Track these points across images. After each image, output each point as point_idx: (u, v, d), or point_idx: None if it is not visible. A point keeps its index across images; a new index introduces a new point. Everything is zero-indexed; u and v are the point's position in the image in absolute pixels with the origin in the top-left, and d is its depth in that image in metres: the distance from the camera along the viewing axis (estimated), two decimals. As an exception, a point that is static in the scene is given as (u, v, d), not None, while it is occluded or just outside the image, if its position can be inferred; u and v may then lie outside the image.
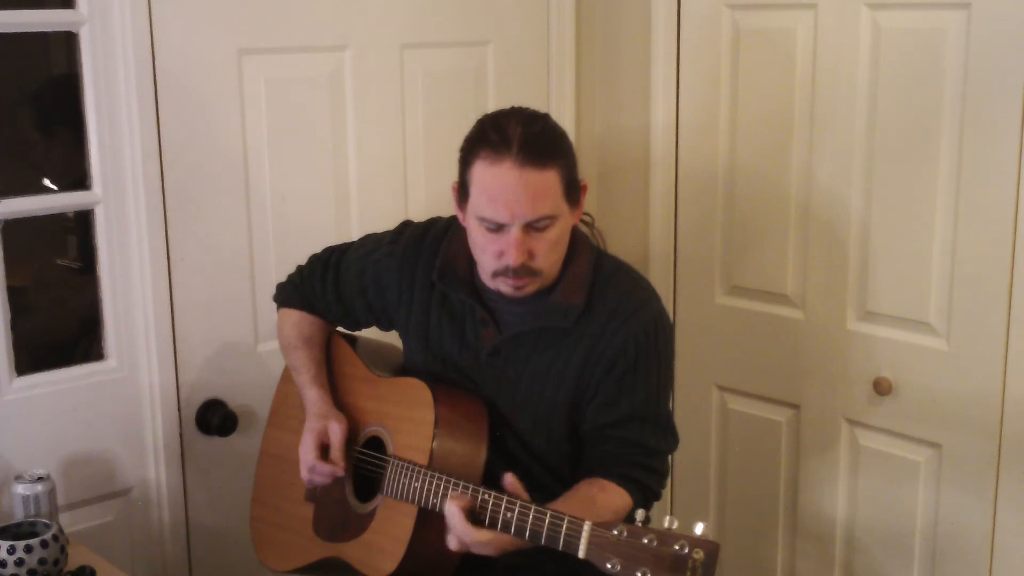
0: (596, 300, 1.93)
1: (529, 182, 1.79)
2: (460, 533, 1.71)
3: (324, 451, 2.03)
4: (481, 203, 1.83)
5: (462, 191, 1.90)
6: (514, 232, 1.81)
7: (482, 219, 1.84)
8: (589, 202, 2.81)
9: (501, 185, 1.80)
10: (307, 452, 2.02)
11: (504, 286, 1.88)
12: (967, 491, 2.36)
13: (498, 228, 1.83)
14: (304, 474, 2.03)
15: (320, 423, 2.03)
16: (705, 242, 2.74)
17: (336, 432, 2.02)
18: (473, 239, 1.89)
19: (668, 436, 1.97)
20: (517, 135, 1.80)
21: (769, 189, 2.59)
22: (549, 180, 1.81)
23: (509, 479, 1.72)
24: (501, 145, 1.80)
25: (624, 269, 2.02)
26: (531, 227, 1.82)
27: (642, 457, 1.91)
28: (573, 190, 1.88)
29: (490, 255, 1.86)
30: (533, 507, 1.67)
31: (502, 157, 1.79)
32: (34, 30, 2.20)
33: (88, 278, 2.28)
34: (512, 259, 1.82)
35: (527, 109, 1.91)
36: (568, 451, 1.97)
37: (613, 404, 1.91)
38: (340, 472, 2.01)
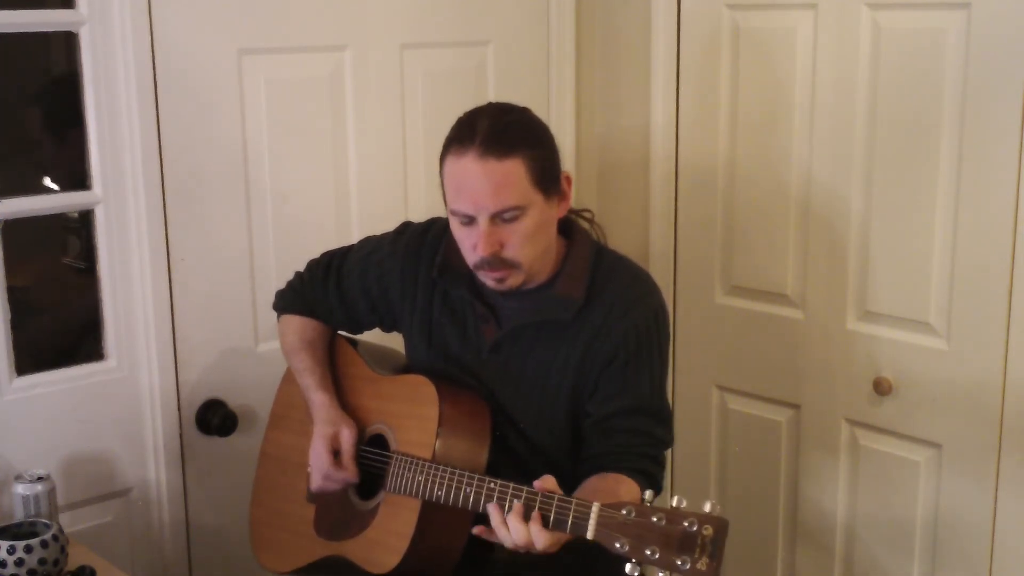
0: (596, 293, 1.94)
1: (490, 173, 1.80)
2: (536, 536, 1.67)
3: (334, 457, 2.02)
4: (451, 197, 1.87)
5: (443, 189, 1.92)
6: (481, 223, 1.83)
7: (454, 212, 1.87)
8: (589, 200, 2.82)
9: (464, 177, 1.83)
10: (320, 459, 2.01)
11: (487, 280, 1.90)
12: (967, 491, 2.36)
13: (470, 221, 1.85)
14: (317, 481, 2.02)
15: (331, 429, 2.03)
16: (705, 242, 2.74)
17: (347, 438, 2.01)
18: (455, 235, 1.92)
19: (670, 429, 1.98)
20: (482, 128, 1.83)
21: (769, 189, 2.59)
22: (512, 170, 1.81)
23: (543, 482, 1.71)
24: (466, 139, 1.83)
25: (624, 262, 2.02)
26: (499, 218, 1.83)
27: (650, 448, 1.91)
28: (548, 181, 1.87)
29: (468, 249, 1.88)
30: (540, 492, 1.68)
31: (466, 150, 1.82)
32: (34, 30, 2.20)
33: (88, 278, 2.28)
34: (481, 250, 1.84)
35: (503, 104, 1.94)
36: (570, 446, 1.98)
37: (616, 396, 1.91)
38: (353, 479, 2.01)
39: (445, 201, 1.94)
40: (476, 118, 1.86)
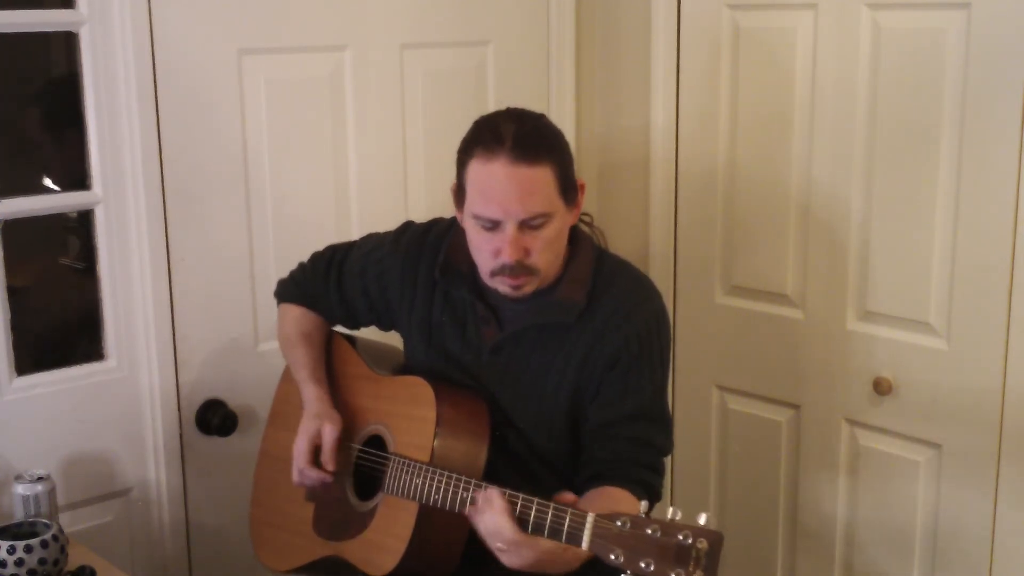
0: (598, 297, 1.93)
1: (522, 179, 1.80)
2: (506, 533, 1.66)
3: (317, 452, 2.02)
4: (476, 201, 1.85)
5: (460, 192, 1.91)
6: (509, 229, 1.82)
7: (477, 217, 1.85)
8: (589, 202, 2.82)
9: (494, 182, 1.81)
10: (299, 454, 2.02)
11: (503, 286, 1.89)
12: (967, 491, 2.36)
13: (493, 226, 1.84)
14: (295, 476, 2.04)
15: (314, 424, 2.03)
16: (705, 242, 2.74)
17: (329, 434, 2.01)
18: (470, 239, 1.90)
19: (670, 436, 1.98)
20: (510, 133, 1.81)
21: (769, 189, 2.59)
22: (542, 177, 1.81)
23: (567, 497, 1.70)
24: (494, 143, 1.81)
25: (626, 267, 2.02)
26: (526, 225, 1.82)
27: (650, 457, 1.91)
28: (569, 188, 1.88)
29: (487, 254, 1.87)
30: (536, 499, 1.67)
31: (495, 155, 1.81)
32: (34, 30, 2.20)
33: (88, 278, 2.28)
34: (507, 256, 1.83)
35: (523, 109, 1.93)
36: (569, 449, 1.97)
37: (617, 401, 1.90)
38: (328, 478, 2.01)
39: (459, 204, 1.93)
40: (500, 123, 1.85)
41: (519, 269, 1.85)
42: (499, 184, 1.81)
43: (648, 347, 1.92)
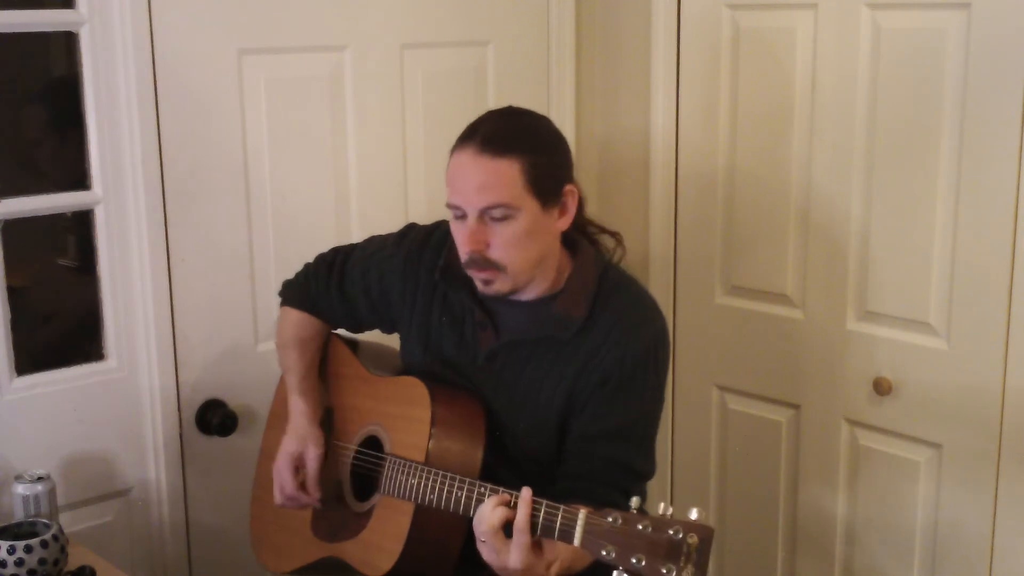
0: (598, 313, 1.92)
1: (482, 169, 1.81)
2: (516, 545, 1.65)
3: (297, 474, 2.07)
4: (447, 190, 1.87)
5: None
6: (469, 219, 1.83)
7: (448, 206, 1.88)
8: (589, 201, 2.81)
9: (458, 171, 1.84)
10: (284, 477, 2.05)
11: (477, 281, 1.90)
12: (967, 491, 2.36)
13: (462, 216, 1.85)
14: (277, 498, 2.06)
15: (297, 446, 2.06)
16: (705, 242, 2.74)
17: (312, 460, 2.04)
18: (451, 230, 1.91)
19: (650, 461, 1.95)
20: (487, 127, 1.84)
21: (769, 189, 2.59)
22: (505, 169, 1.81)
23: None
24: (468, 136, 1.84)
25: (629, 283, 2.00)
26: (487, 216, 1.82)
27: (624, 480, 1.88)
28: (546, 188, 1.85)
29: (460, 246, 1.89)
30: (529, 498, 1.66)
31: (466, 145, 1.83)
32: (34, 30, 2.20)
33: (87, 278, 2.28)
34: (467, 245, 1.84)
35: (520, 109, 1.94)
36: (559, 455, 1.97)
37: (602, 417, 1.88)
38: (316, 504, 2.05)
39: None
40: (486, 118, 1.88)
41: (482, 262, 1.85)
42: (461, 173, 1.83)
43: (643, 368, 1.90)
